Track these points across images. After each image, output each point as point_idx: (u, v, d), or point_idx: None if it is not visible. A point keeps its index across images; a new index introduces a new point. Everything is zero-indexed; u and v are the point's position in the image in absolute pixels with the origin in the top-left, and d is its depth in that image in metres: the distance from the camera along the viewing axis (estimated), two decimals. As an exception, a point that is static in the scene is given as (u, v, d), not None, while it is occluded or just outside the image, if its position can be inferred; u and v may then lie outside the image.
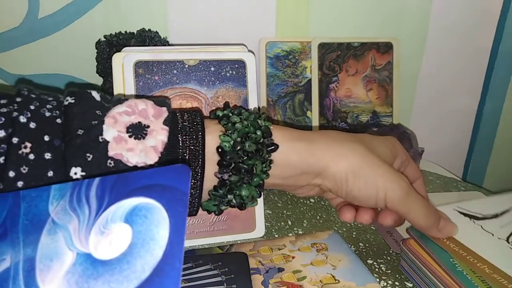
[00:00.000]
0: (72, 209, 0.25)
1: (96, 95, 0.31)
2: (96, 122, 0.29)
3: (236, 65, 0.45)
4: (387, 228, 0.47)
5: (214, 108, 0.44)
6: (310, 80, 0.62)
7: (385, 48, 0.63)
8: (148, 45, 0.51)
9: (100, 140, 0.28)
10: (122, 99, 0.31)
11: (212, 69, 0.45)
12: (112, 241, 0.23)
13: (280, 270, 0.38)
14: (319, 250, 0.41)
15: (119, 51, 0.43)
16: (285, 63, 0.61)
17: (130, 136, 0.29)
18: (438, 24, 0.67)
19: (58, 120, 0.29)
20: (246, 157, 0.32)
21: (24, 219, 0.24)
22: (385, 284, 0.38)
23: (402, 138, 0.56)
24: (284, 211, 0.51)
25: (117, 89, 0.42)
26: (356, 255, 0.41)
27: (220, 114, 0.35)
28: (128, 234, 0.23)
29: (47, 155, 0.27)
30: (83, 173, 0.27)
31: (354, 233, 0.47)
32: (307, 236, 0.44)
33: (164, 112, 0.31)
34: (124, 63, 0.42)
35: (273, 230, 0.47)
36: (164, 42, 0.54)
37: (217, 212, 0.34)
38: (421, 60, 0.69)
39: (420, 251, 0.37)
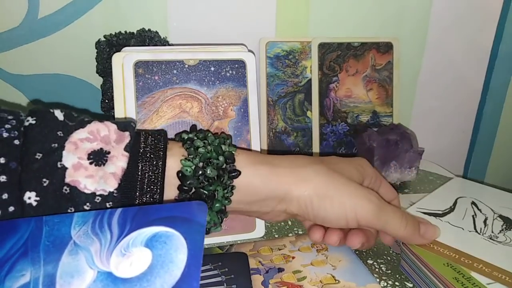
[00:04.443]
0: (94, 233, 0.26)
1: (59, 114, 0.30)
2: (56, 145, 0.28)
3: (236, 65, 0.45)
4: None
5: (213, 108, 0.44)
6: (310, 80, 0.62)
7: (385, 48, 0.63)
8: (148, 45, 0.51)
9: (59, 166, 0.28)
10: (86, 120, 0.31)
11: (212, 69, 0.45)
12: (133, 262, 0.24)
13: (280, 270, 0.38)
14: (319, 250, 0.41)
15: (119, 51, 0.43)
16: (285, 63, 0.61)
17: (91, 163, 0.29)
18: (438, 24, 0.67)
19: (16, 142, 0.28)
20: (207, 183, 0.32)
21: (45, 241, 0.25)
22: (385, 284, 0.38)
23: (402, 138, 0.56)
24: (284, 211, 0.51)
25: (117, 89, 0.42)
26: (356, 255, 0.41)
27: (185, 137, 0.35)
28: (148, 256, 0.24)
29: (2, 178, 0.27)
30: (37, 198, 0.27)
31: (354, 233, 0.47)
32: (307, 236, 0.44)
33: (126, 137, 0.31)
34: (124, 63, 0.42)
35: (273, 230, 0.47)
36: (164, 42, 0.54)
37: None
38: (421, 60, 0.69)
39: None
